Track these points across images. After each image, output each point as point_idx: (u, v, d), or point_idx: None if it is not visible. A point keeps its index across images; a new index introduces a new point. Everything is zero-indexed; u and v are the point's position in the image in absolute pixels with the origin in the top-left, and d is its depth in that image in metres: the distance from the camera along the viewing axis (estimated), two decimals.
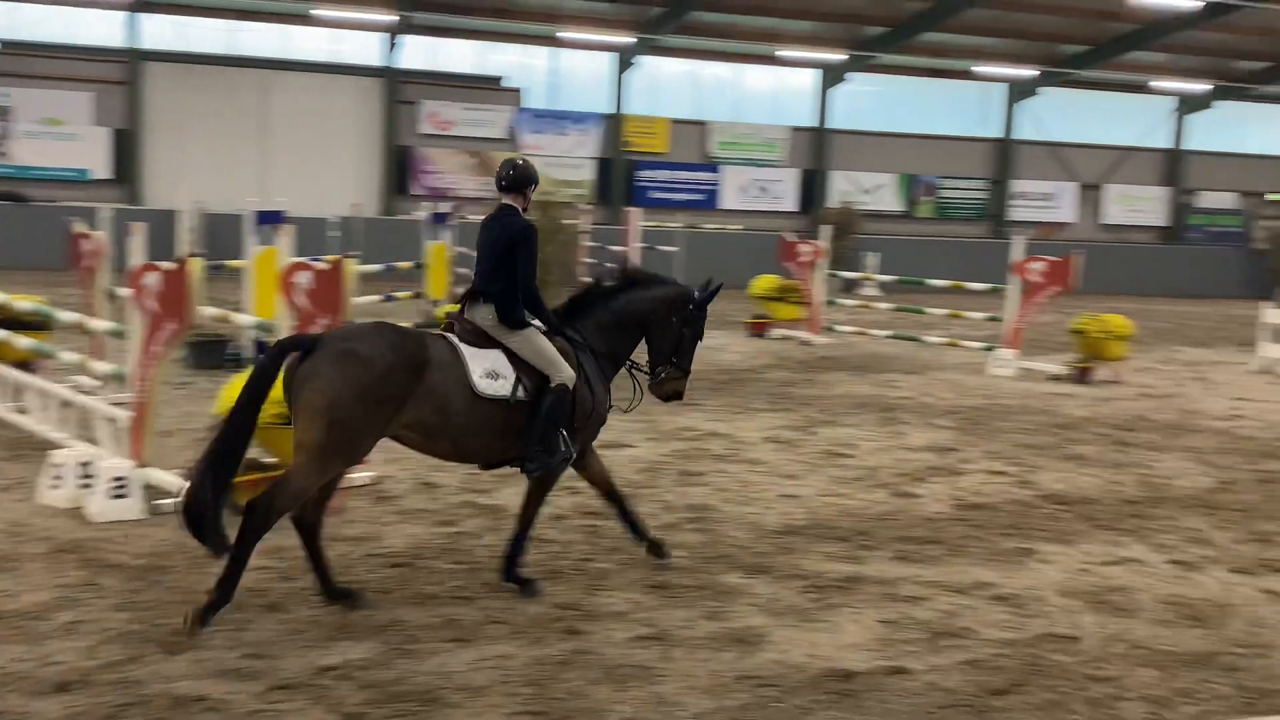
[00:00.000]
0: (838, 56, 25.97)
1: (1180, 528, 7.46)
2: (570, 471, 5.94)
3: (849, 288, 23.98)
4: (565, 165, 26.14)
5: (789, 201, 26.04)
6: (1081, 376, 13.73)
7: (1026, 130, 29.03)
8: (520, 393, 5.47)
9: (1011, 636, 5.40)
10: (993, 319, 14.99)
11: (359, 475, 7.45)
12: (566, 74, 26.70)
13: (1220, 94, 28.70)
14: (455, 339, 5.48)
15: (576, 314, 5.87)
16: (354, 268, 7.60)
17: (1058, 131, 29.65)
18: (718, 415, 10.53)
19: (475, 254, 5.74)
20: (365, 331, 5.15)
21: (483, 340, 5.54)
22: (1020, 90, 28.36)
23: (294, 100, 24.83)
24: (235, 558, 4.90)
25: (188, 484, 4.89)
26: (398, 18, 23.91)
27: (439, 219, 15.46)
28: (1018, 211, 29.00)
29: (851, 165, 28.30)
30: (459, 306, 5.69)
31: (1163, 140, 30.20)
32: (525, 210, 5.77)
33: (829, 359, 14.87)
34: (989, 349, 14.72)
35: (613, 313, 5.89)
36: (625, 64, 26.21)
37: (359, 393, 4.95)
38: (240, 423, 4.90)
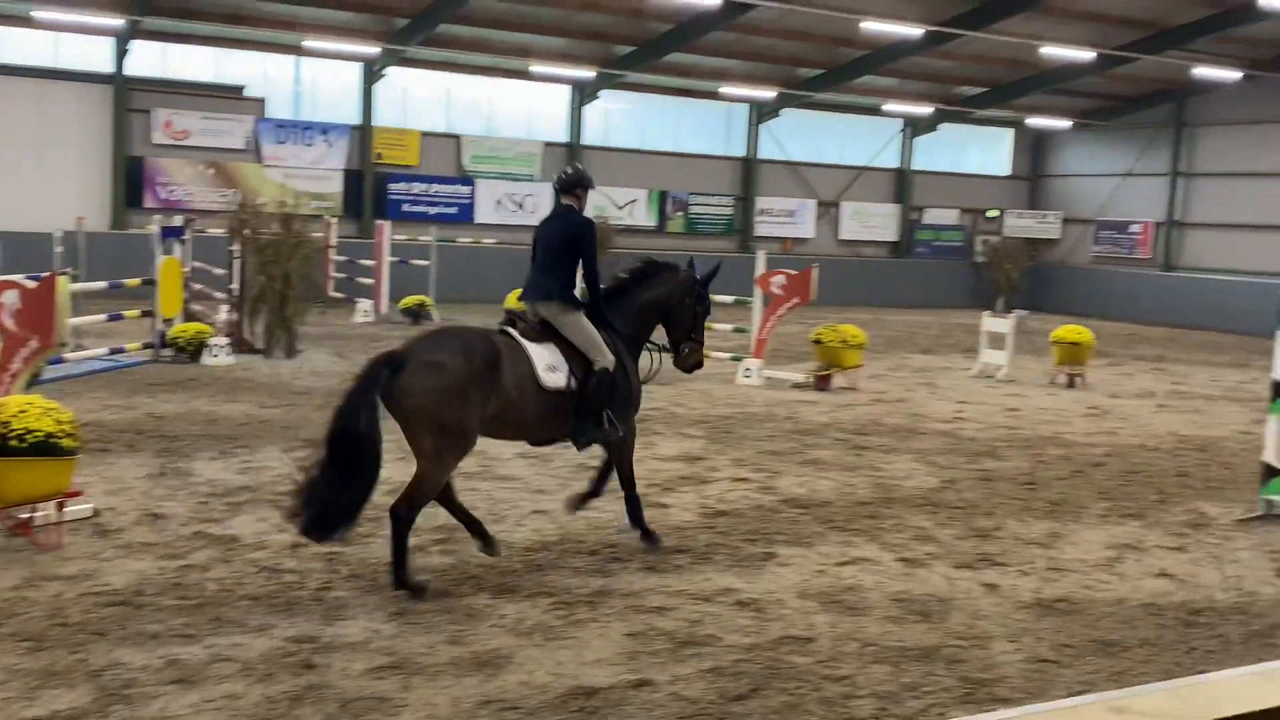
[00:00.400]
0: (588, 74, 26.31)
1: (908, 526, 7.91)
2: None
3: None
4: (311, 177, 25.25)
5: (543, 215, 25.93)
6: (821, 384, 14.39)
7: (769, 150, 30.34)
8: (572, 382, 6.34)
9: (752, 641, 5.54)
10: (739, 330, 15.49)
11: (76, 508, 6.90)
12: (312, 84, 25.80)
13: (943, 117, 30.93)
14: (518, 335, 6.28)
15: (608, 305, 6.65)
16: (69, 286, 7.04)
17: (798, 151, 31.11)
18: None
19: (534, 248, 6.59)
20: (442, 342, 5.92)
21: (541, 334, 6.35)
22: (763, 111, 29.60)
23: (12, 108, 22.88)
24: (397, 551, 5.85)
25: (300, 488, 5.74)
26: (125, 22, 22.43)
27: (171, 233, 14.58)
28: (762, 227, 30.21)
29: (605, 181, 28.69)
30: (519, 300, 6.58)
31: (892, 160, 32.27)
32: (581, 209, 6.71)
33: None
34: (736, 359, 15.19)
35: (636, 302, 6.82)
36: (373, 75, 25.60)
37: (452, 397, 5.79)
38: (344, 428, 5.66)
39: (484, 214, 27.16)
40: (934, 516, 8.22)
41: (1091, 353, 16.62)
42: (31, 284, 6.74)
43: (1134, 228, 31.28)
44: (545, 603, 5.97)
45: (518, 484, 8.58)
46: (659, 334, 7.06)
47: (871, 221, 31.96)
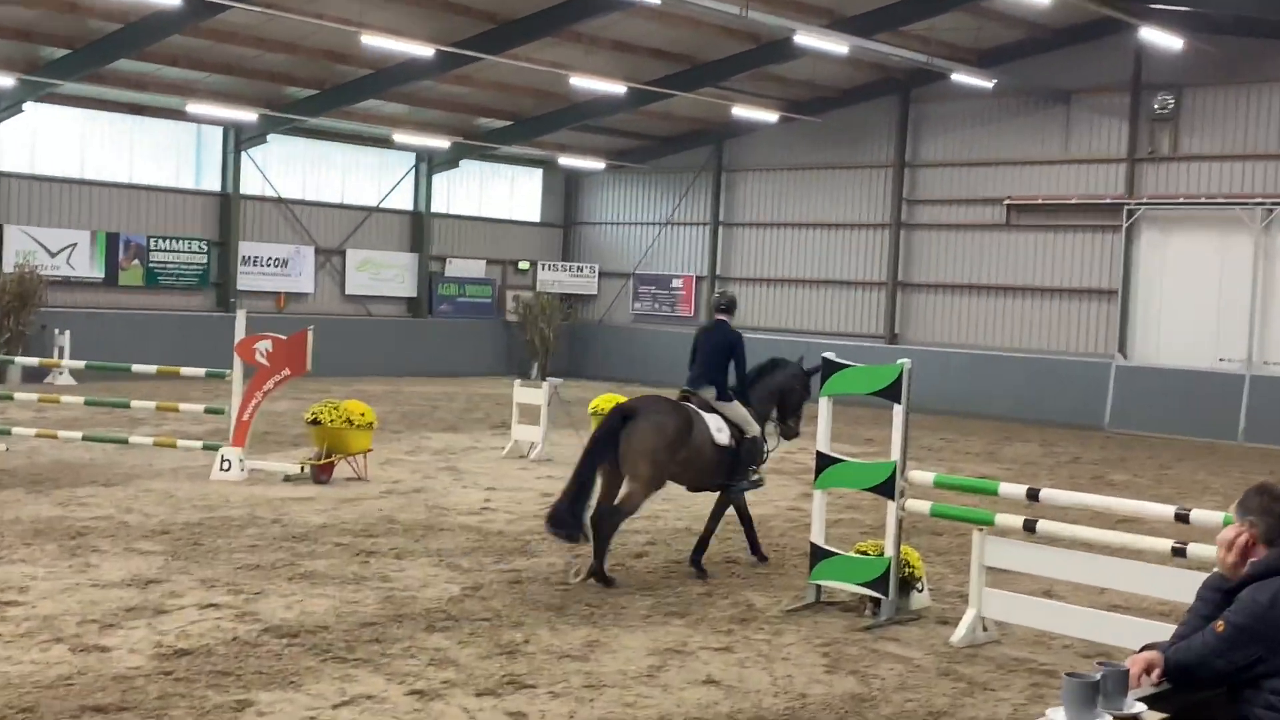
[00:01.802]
0: (6, 81, 24.25)
1: (422, 649, 7.80)
2: None
3: (40, 377, 22.31)
4: None
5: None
6: (320, 475, 14.07)
7: (255, 184, 29.58)
8: (733, 442, 10.37)
9: None
10: (213, 411, 14.83)
11: None
12: None
13: (463, 151, 31.83)
14: (695, 407, 10.25)
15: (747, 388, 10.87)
16: None
17: (291, 186, 30.59)
18: None
19: (694, 351, 10.80)
20: (661, 405, 10.09)
21: (709, 407, 10.41)
22: (244, 136, 28.83)
23: None
24: (599, 544, 9.75)
25: (554, 502, 9.79)
26: None
27: None
28: (247, 279, 29.29)
29: (31, 218, 26.48)
30: (684, 391, 10.61)
31: (407, 201, 32.66)
32: (730, 323, 10.94)
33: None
34: (211, 448, 14.57)
35: (767, 387, 11.15)
36: None
37: (665, 445, 9.83)
38: (590, 462, 9.67)
39: None
40: (454, 633, 8.19)
41: None
42: None
43: (675, 282, 33.90)
44: None
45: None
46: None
47: (384, 273, 32.06)
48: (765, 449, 10.81)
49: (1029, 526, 8.45)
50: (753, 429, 10.65)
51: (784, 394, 11.30)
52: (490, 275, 34.35)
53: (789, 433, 11.41)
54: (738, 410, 10.65)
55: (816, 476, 9.50)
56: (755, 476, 10.73)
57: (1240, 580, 4.11)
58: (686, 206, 33.76)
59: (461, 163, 32.65)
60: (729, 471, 10.49)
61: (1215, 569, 4.31)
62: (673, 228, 34.12)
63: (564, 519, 9.62)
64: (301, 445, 16.55)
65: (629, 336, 33.95)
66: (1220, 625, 4.02)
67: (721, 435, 10.36)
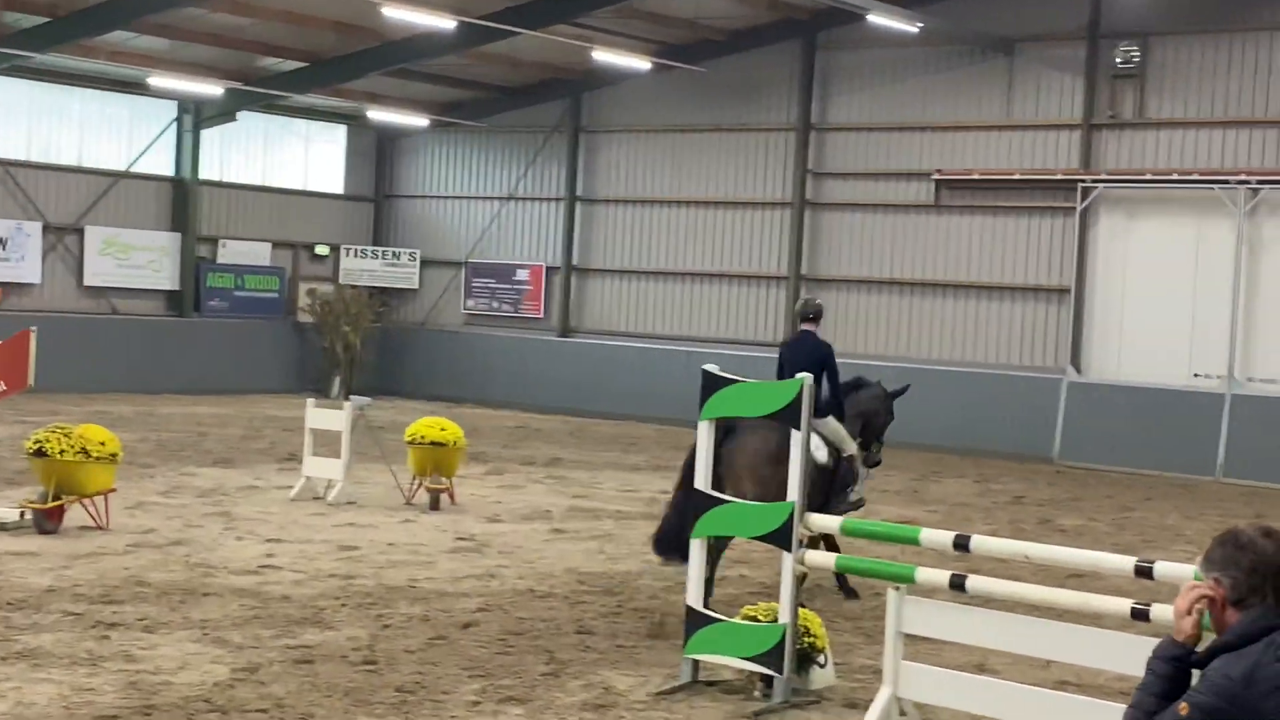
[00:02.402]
0: None
1: None
2: None
3: None
4: None
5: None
6: (46, 522, 13.79)
7: None
8: (831, 460, 12.26)
9: None
10: None
11: None
12: None
13: (242, 100, 31.35)
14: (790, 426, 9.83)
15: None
16: None
17: (12, 143, 29.85)
18: None
19: (781, 367, 12.40)
20: (759, 424, 10.91)
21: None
22: None
23: None
24: (713, 571, 11.21)
25: (662, 525, 11.99)
26: None
27: None
28: None
29: None
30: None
31: (167, 164, 32.06)
32: (817, 333, 12.90)
33: None
34: None
35: (854, 406, 13.26)
36: None
37: (770, 461, 11.08)
38: (690, 478, 10.17)
39: None
40: None
41: (462, 457, 17.55)
42: None
43: (520, 274, 33.91)
44: None
45: None
46: None
47: (135, 258, 31.48)
48: (861, 472, 13.04)
49: (957, 584, 8.59)
50: (850, 447, 12.70)
51: (868, 417, 13.55)
52: (278, 263, 33.93)
53: (870, 460, 13.46)
54: (834, 427, 12.59)
55: (695, 522, 9.55)
56: (854, 497, 12.76)
57: (1208, 650, 4.22)
58: (535, 177, 33.78)
59: (240, 115, 32.18)
60: (826, 492, 11.99)
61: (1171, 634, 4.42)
62: (517, 204, 34.12)
63: (674, 542, 11.24)
64: (22, 483, 16.10)
65: (460, 343, 33.85)
66: (1184, 708, 4.11)
67: (820, 453, 11.91)
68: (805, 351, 12.54)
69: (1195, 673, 4.28)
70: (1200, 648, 4.33)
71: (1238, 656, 4.11)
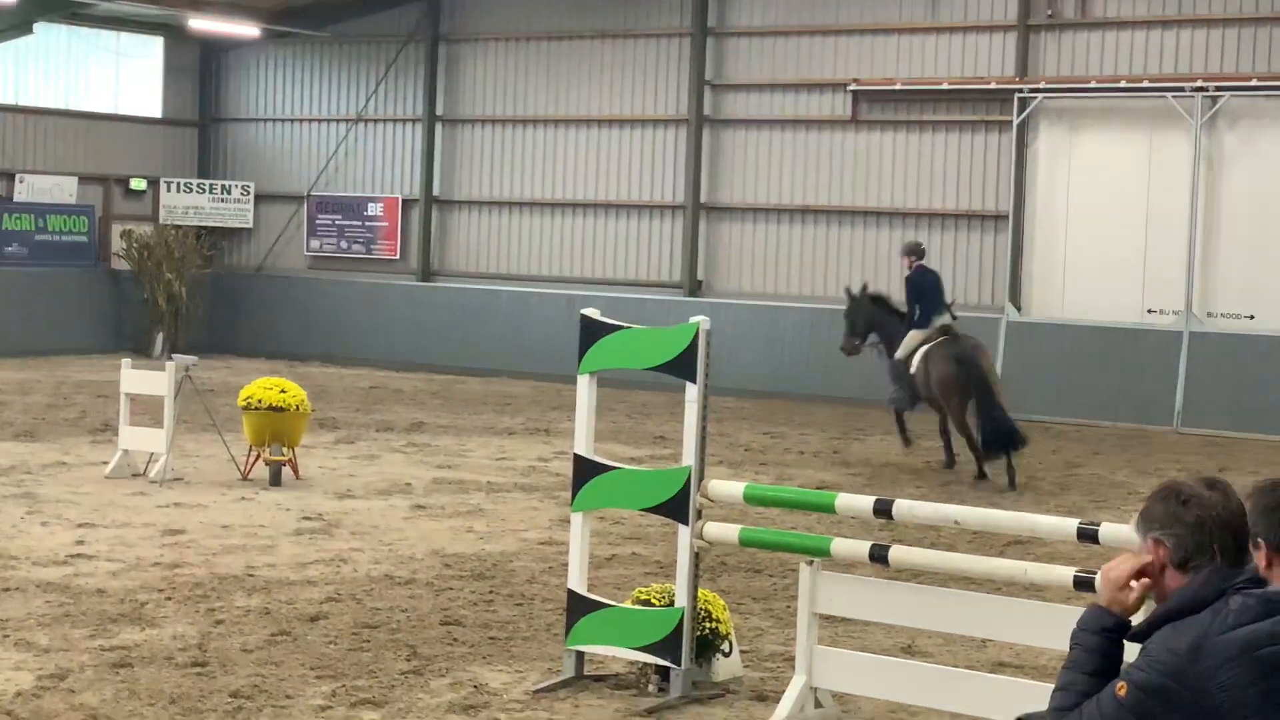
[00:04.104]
0: None
1: None
2: None
3: None
4: None
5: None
6: None
7: None
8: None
9: None
10: None
11: None
12: None
13: (38, 9, 30.74)
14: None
15: None
16: None
17: None
18: None
19: (927, 292, 20.28)
20: (971, 339, 20.16)
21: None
22: None
23: None
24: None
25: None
26: None
27: None
28: None
29: None
30: (946, 327, 19.85)
31: None
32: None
33: None
34: None
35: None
36: None
37: (990, 365, 20.14)
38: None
39: None
40: None
41: (306, 423, 17.44)
42: None
43: (373, 208, 33.69)
44: None
45: None
46: None
47: None
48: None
49: (879, 555, 8.67)
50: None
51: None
52: (86, 200, 33.47)
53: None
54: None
55: (575, 493, 9.55)
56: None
57: (1146, 621, 4.27)
58: (387, 95, 33.54)
59: (36, 27, 31.58)
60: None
61: (1098, 601, 4.45)
62: (367, 127, 33.87)
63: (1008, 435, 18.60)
64: None
65: (303, 290, 33.62)
66: (1121, 688, 4.16)
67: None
68: (936, 279, 20.74)
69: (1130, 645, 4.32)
70: (1137, 618, 4.37)
71: (1183, 626, 4.15)
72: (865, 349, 20.85)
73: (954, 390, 18.93)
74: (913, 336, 19.68)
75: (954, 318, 20.09)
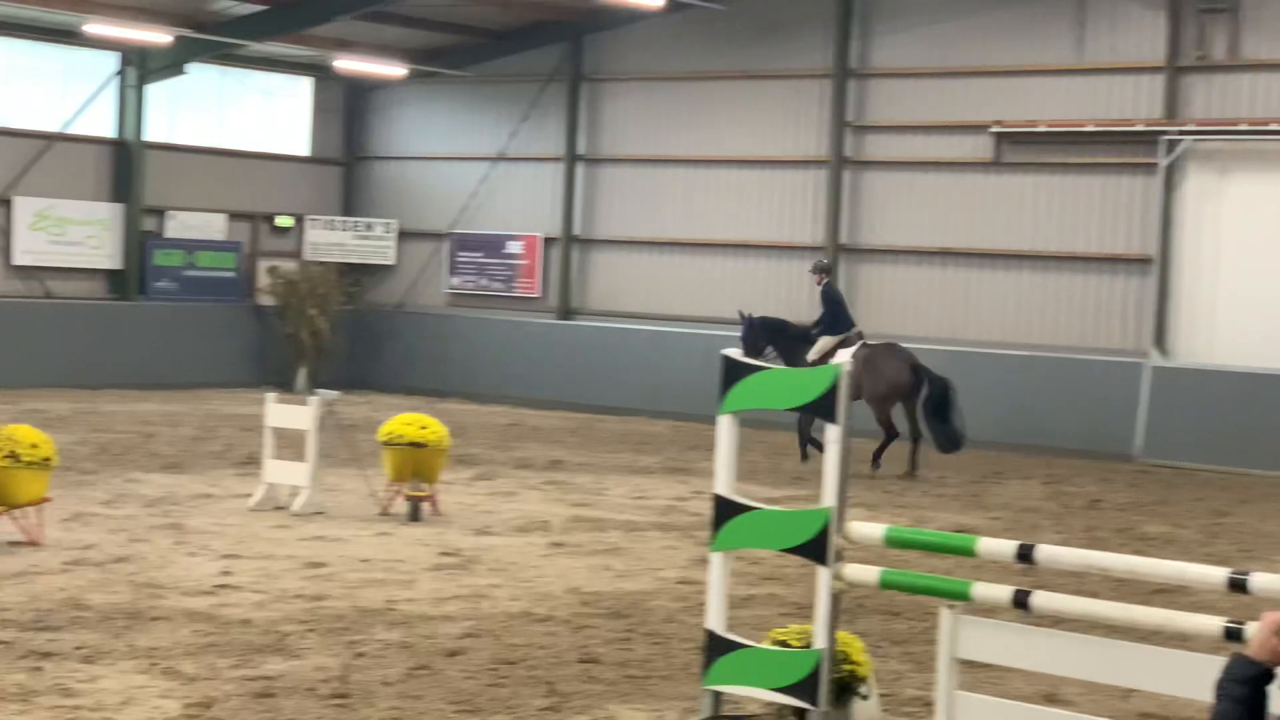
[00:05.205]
0: None
1: None
2: None
3: None
4: None
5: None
6: None
7: None
8: None
9: None
10: None
11: None
12: None
13: (192, 50, 31.32)
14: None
15: None
16: None
17: None
18: None
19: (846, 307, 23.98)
20: (903, 348, 23.30)
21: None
22: None
23: None
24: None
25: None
26: None
27: None
28: None
29: None
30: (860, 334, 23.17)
31: (108, 124, 32.08)
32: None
33: None
34: None
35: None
36: None
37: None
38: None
39: None
40: None
41: (445, 459, 17.54)
42: None
43: (513, 246, 33.90)
44: None
45: None
46: None
47: (72, 233, 31.60)
48: None
49: (1021, 601, 8.56)
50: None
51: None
52: (234, 237, 34.01)
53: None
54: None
55: (714, 533, 9.52)
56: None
57: None
58: (529, 134, 33.78)
59: (189, 68, 32.19)
60: None
61: (1244, 651, 4.38)
62: (509, 165, 34.13)
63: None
64: None
65: (443, 327, 33.90)
66: None
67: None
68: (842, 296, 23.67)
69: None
70: None
71: None
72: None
73: (905, 392, 22.44)
74: (826, 341, 22.53)
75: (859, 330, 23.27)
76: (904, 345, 23.47)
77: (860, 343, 22.30)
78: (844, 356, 19.65)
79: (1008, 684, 9.65)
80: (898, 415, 22.86)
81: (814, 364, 21.28)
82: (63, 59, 31.62)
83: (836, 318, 23.20)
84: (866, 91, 29.98)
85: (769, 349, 23.32)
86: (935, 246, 29.08)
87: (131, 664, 10.31)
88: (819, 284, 23.68)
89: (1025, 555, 8.67)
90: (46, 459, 14.36)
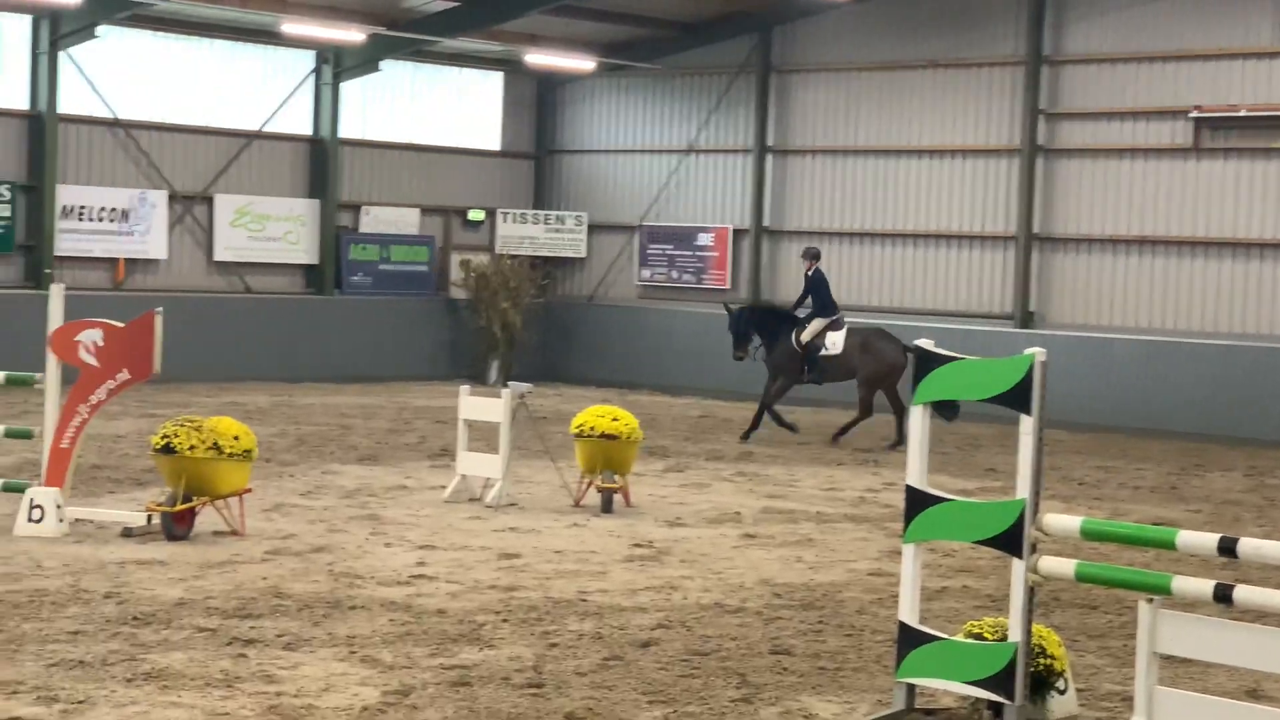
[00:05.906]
0: None
1: None
2: None
3: None
4: None
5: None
6: (175, 528, 14.16)
7: (77, 97, 29.59)
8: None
9: None
10: (17, 434, 15.00)
11: None
12: None
13: (386, 48, 31.76)
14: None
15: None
16: None
17: (133, 102, 30.51)
18: None
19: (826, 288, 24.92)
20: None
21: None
22: (65, 31, 28.72)
23: None
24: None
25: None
26: None
27: None
28: (69, 240, 29.32)
29: None
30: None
31: (304, 121, 32.62)
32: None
33: None
34: (14, 489, 14.67)
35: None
36: None
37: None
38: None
39: None
40: None
41: (637, 451, 17.62)
42: None
43: (703, 238, 33.94)
44: None
45: None
46: None
47: (270, 229, 32.12)
48: None
49: (1223, 595, 8.44)
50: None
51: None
52: (427, 231, 34.38)
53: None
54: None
55: (907, 524, 9.49)
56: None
57: None
58: (719, 126, 33.79)
59: (383, 65, 32.64)
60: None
61: None
62: (699, 158, 34.15)
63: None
64: (149, 484, 16.57)
65: (634, 320, 34.00)
66: None
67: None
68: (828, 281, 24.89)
69: None
70: None
71: None
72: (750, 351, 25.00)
73: (899, 374, 23.05)
74: (817, 323, 24.02)
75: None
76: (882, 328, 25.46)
77: (866, 326, 24.92)
78: (836, 338, 21.94)
79: (1209, 679, 9.50)
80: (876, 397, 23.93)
81: (806, 345, 23.83)
82: (261, 59, 32.16)
83: (825, 302, 24.39)
84: (1060, 78, 29.57)
85: (756, 338, 24.84)
86: (1132, 235, 28.58)
87: (331, 652, 10.48)
88: (808, 270, 24.84)
89: (1228, 548, 8.54)
90: (247, 451, 14.60)
